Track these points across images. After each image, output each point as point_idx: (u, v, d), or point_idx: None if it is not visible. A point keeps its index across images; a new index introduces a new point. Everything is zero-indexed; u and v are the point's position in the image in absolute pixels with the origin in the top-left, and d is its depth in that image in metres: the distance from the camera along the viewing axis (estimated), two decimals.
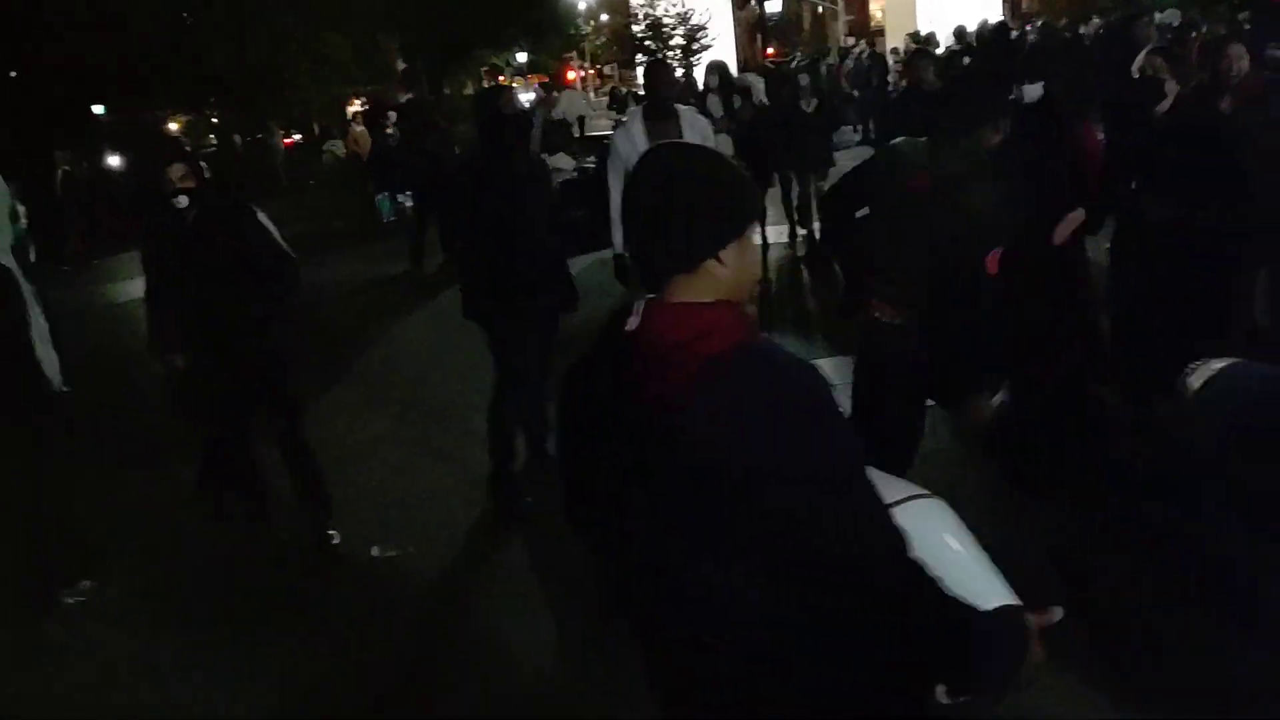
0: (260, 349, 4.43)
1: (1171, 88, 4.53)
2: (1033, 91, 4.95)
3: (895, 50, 17.84)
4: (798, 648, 1.52)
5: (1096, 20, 14.49)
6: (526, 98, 27.41)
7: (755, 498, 1.44)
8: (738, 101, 9.45)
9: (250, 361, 4.40)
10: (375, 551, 4.58)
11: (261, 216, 4.51)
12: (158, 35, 16.01)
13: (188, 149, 6.03)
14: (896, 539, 1.52)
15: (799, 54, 22.49)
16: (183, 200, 4.22)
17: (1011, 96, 4.89)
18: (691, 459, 1.47)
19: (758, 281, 1.70)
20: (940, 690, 1.73)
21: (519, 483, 4.84)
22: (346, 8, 18.65)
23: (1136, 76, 4.61)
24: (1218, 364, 2.44)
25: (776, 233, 9.84)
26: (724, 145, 8.83)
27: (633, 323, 1.58)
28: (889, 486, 1.90)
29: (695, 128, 5.50)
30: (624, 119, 5.69)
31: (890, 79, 15.35)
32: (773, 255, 9.50)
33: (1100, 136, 4.97)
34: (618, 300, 7.72)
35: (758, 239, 1.71)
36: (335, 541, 4.66)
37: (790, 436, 1.45)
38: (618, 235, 5.28)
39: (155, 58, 16.72)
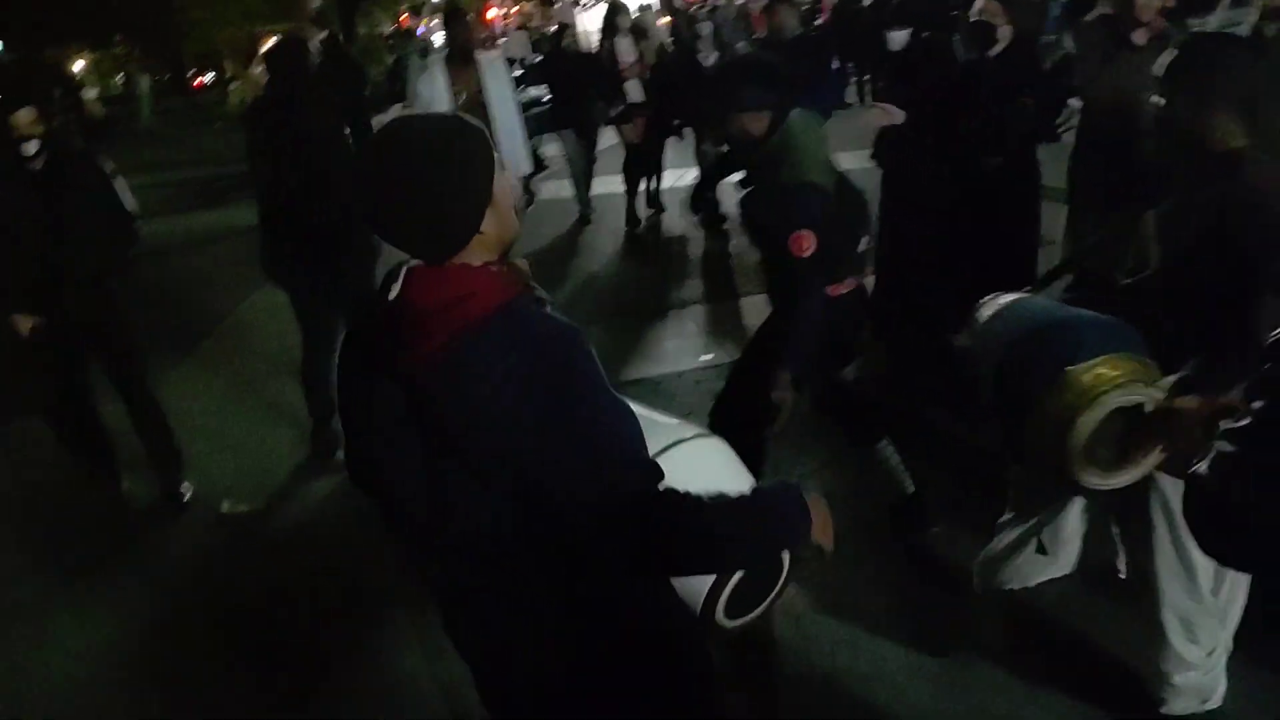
0: (95, 302, 4.33)
1: (1005, 32, 4.46)
2: (899, 38, 4.96)
3: None
4: (545, 582, 1.64)
5: None
6: (441, 36, 26.76)
7: (509, 459, 1.52)
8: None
9: (85, 316, 4.31)
10: (225, 507, 4.57)
11: (109, 168, 4.40)
12: None
13: (50, 90, 5.70)
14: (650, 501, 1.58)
15: None
16: (31, 147, 4.08)
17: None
18: (449, 422, 1.54)
19: (519, 232, 1.70)
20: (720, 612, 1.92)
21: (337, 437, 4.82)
22: None
23: (973, 20, 4.57)
24: (1007, 297, 2.53)
25: (675, 175, 9.70)
26: (633, 90, 8.66)
27: (394, 290, 1.59)
28: (659, 431, 1.99)
29: (495, 74, 5.59)
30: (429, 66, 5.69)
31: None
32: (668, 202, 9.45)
33: None
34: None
35: (507, 188, 1.73)
36: (187, 497, 4.63)
37: (543, 397, 1.50)
38: None
39: None
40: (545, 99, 13.74)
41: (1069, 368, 2.09)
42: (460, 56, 5.64)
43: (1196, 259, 2.20)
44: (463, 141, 1.58)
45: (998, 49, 4.44)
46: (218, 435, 5.28)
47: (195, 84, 30.03)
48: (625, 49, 8.66)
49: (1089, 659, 3.03)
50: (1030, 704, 2.91)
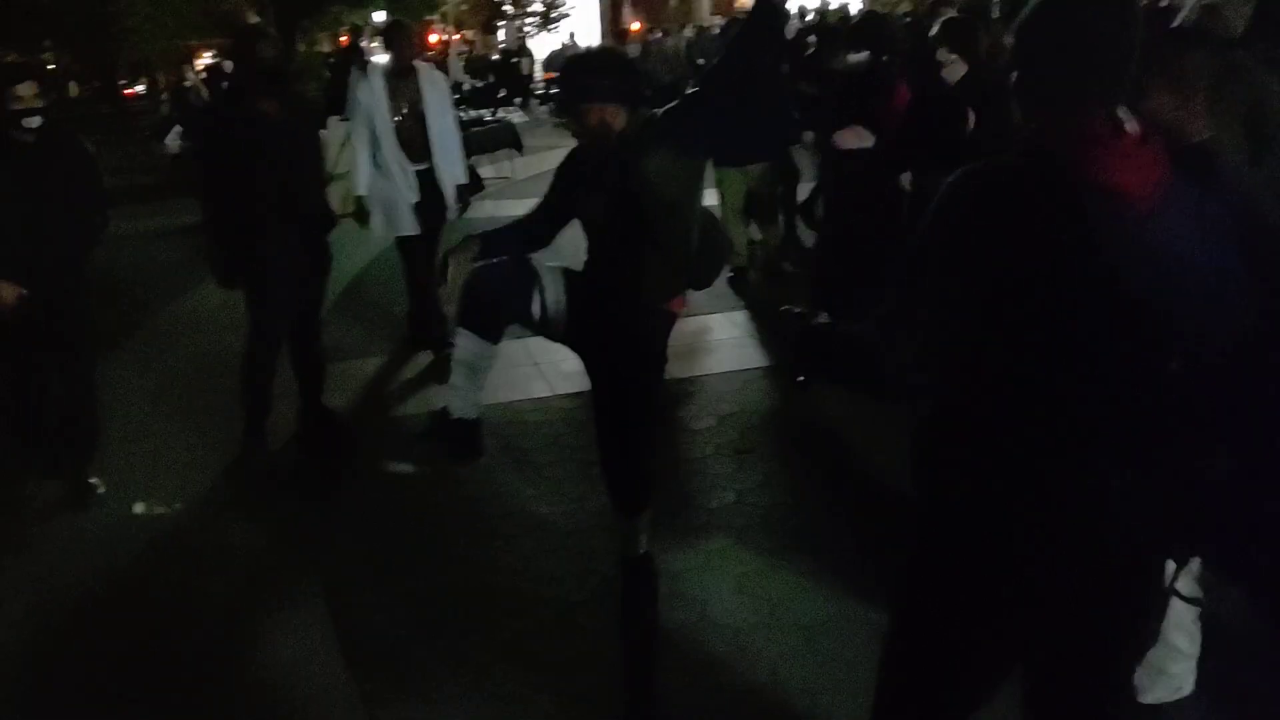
0: (65, 285, 4.17)
1: (959, 68, 4.71)
2: (857, 59, 5.13)
3: None
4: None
5: None
6: (383, 59, 26.62)
7: (1205, 287, 1.64)
8: None
9: (54, 298, 4.12)
10: (138, 509, 4.39)
11: (92, 150, 4.31)
12: None
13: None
14: None
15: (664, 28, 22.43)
16: (36, 120, 3.95)
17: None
18: (1158, 249, 1.65)
19: None
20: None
21: (265, 438, 4.73)
22: None
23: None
24: None
25: None
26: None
27: (1130, 127, 1.72)
28: None
29: (433, 83, 5.73)
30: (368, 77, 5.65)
31: None
32: None
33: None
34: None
35: None
36: (100, 490, 4.45)
37: (1222, 242, 1.67)
38: (361, 177, 5.60)
39: None
40: (487, 119, 13.94)
41: None
42: (400, 69, 5.65)
43: None
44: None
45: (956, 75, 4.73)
46: (140, 435, 5.09)
47: (127, 93, 29.50)
48: None
49: None
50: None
